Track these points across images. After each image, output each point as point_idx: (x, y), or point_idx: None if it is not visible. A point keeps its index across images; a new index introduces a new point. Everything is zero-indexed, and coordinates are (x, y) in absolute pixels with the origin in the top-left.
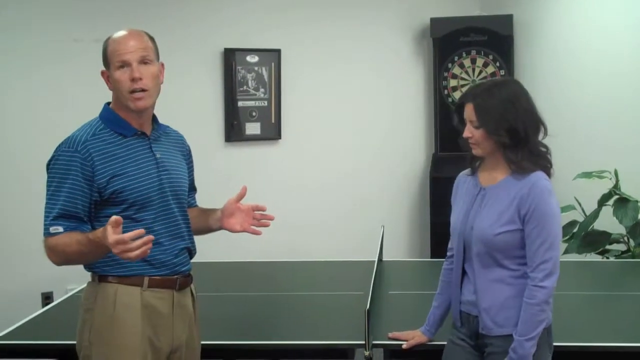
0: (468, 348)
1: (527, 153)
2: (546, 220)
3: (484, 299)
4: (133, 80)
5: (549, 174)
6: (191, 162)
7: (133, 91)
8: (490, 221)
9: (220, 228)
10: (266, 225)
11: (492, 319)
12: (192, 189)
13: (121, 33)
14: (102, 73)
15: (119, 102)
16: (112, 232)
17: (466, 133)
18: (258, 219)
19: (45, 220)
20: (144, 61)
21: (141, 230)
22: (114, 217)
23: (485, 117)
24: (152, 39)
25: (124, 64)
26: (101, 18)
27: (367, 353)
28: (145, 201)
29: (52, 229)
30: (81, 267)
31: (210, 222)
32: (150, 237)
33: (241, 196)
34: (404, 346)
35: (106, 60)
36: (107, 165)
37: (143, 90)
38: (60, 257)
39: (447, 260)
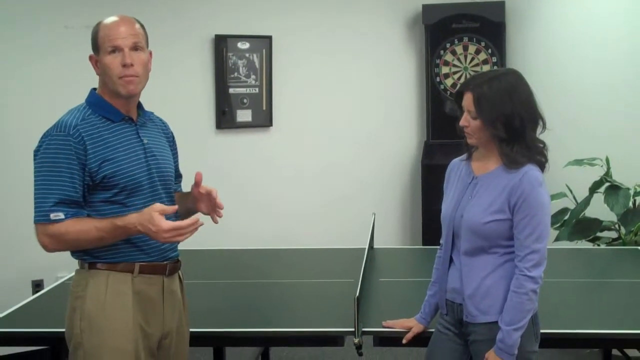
0: (452, 336)
1: (523, 147)
2: (536, 210)
3: (468, 286)
4: (124, 66)
5: (542, 169)
6: (175, 148)
7: (123, 77)
8: (480, 209)
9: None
10: (216, 216)
11: (476, 306)
12: (178, 175)
13: (112, 18)
14: (90, 57)
15: (107, 88)
16: (162, 218)
17: (463, 122)
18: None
19: (40, 207)
20: (135, 47)
21: (196, 218)
22: (159, 206)
23: (483, 108)
24: (142, 26)
25: (116, 49)
26: (91, 4)
27: (356, 340)
28: (135, 186)
29: (52, 216)
30: (70, 254)
31: (189, 205)
32: (201, 222)
33: (196, 183)
34: (403, 340)
35: (96, 45)
36: (97, 150)
37: (133, 76)
38: (65, 244)
39: (441, 248)
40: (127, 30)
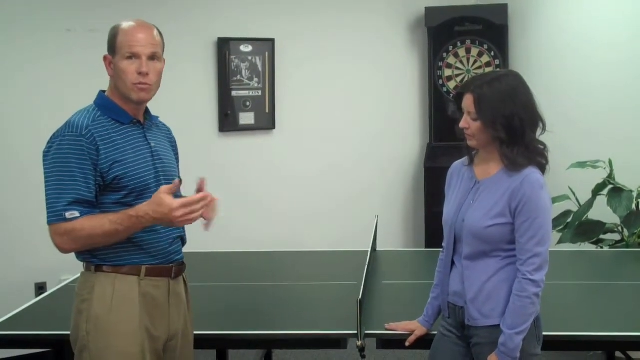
0: (455, 339)
1: (523, 149)
2: (537, 214)
3: (470, 289)
4: (140, 74)
5: (543, 171)
6: (177, 154)
7: (138, 84)
8: (482, 214)
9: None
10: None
11: (478, 310)
12: None
13: (132, 23)
14: (105, 58)
15: (118, 91)
16: (171, 198)
17: (463, 123)
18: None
19: (54, 206)
20: (152, 57)
21: (206, 193)
22: (165, 187)
23: (484, 109)
24: (160, 34)
25: (134, 56)
26: (94, 8)
27: (359, 343)
28: (144, 188)
29: (68, 215)
30: (74, 257)
31: None
32: (216, 198)
33: (199, 189)
34: (406, 343)
35: (113, 48)
36: (108, 151)
37: (147, 84)
38: (80, 241)
39: (443, 251)
40: (146, 39)
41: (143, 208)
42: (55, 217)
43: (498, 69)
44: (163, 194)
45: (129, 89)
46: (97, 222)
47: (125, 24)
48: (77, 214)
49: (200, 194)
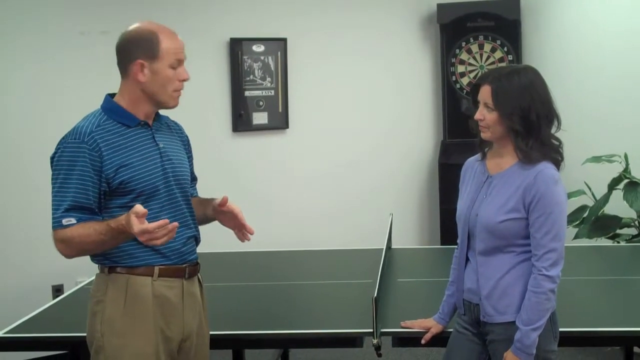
0: (470, 336)
1: (538, 143)
2: (552, 209)
3: (485, 286)
4: (184, 80)
5: (558, 167)
6: (190, 151)
7: (177, 90)
8: (495, 208)
9: (215, 219)
10: (246, 239)
11: (493, 306)
12: (193, 178)
13: (168, 29)
14: (140, 64)
15: (142, 94)
16: (137, 222)
17: (478, 115)
18: (240, 229)
19: (55, 213)
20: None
21: (165, 221)
22: (139, 208)
23: (501, 100)
24: None
25: (180, 64)
26: (107, 10)
27: (375, 341)
28: (152, 191)
29: (64, 221)
30: (90, 259)
31: (208, 212)
32: (175, 224)
33: (221, 204)
34: (422, 341)
35: (154, 53)
36: (113, 156)
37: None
38: (74, 249)
39: (458, 248)
40: (182, 44)
41: (122, 221)
42: (55, 223)
43: (513, 64)
44: (132, 215)
45: (170, 96)
46: (85, 232)
47: (162, 29)
48: (73, 220)
49: (158, 223)
